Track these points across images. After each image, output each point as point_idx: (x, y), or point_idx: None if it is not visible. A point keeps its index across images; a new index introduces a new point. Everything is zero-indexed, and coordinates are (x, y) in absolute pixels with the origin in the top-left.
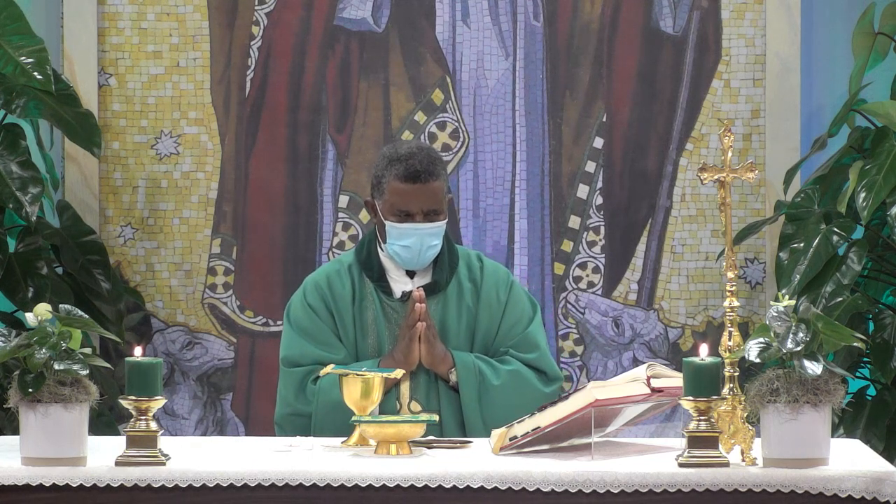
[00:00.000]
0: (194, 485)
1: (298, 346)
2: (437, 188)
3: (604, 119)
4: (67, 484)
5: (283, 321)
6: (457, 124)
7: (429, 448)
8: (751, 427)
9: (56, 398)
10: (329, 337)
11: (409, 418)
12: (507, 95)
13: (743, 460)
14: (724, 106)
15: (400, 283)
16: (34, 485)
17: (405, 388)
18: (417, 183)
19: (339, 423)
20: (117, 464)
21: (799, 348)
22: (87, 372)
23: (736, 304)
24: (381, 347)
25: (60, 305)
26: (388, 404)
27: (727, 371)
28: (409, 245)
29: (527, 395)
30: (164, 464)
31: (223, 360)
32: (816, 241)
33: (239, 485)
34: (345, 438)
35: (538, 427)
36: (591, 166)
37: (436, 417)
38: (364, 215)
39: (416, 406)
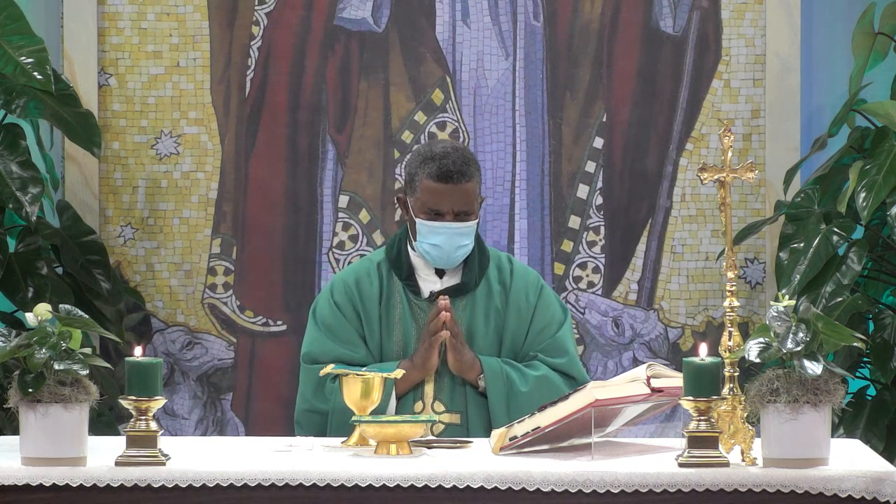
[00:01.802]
0: (194, 485)
1: (320, 343)
2: (470, 189)
3: (604, 119)
4: (67, 484)
5: (308, 319)
6: (457, 124)
7: (429, 448)
8: (751, 427)
9: (56, 398)
10: (352, 335)
11: (409, 418)
12: (507, 95)
13: (743, 460)
14: (724, 106)
15: (429, 283)
16: (34, 485)
17: (429, 389)
18: (450, 183)
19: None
20: (117, 464)
21: (799, 348)
22: (87, 372)
23: (736, 304)
24: (407, 347)
25: (60, 305)
26: (407, 406)
27: (727, 371)
28: (439, 244)
29: None
30: (164, 464)
31: (223, 360)
32: (816, 241)
33: (239, 485)
34: (345, 438)
35: (538, 427)
36: (591, 166)
37: (437, 418)
38: (364, 215)
39: (439, 406)
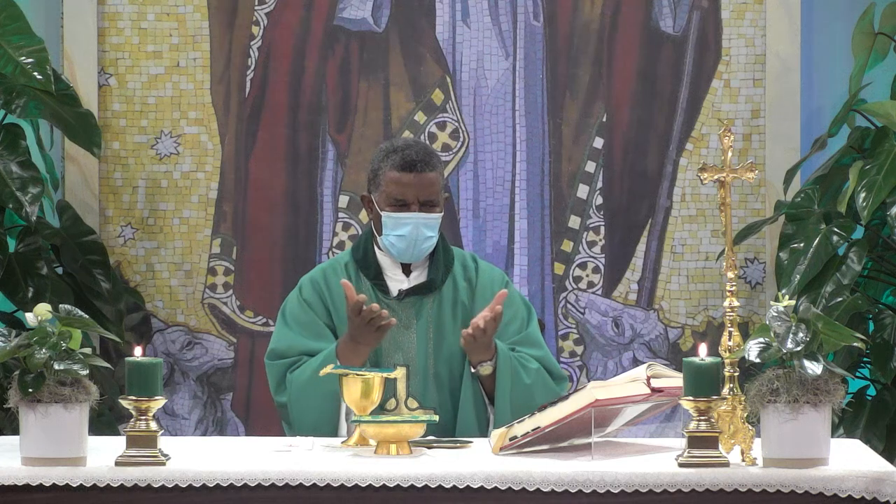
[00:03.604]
0: (194, 485)
1: (287, 339)
2: (433, 179)
3: (604, 119)
4: (67, 484)
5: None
6: (457, 124)
7: (429, 448)
8: (751, 427)
9: (56, 398)
10: (322, 329)
11: (409, 418)
12: (507, 95)
13: (743, 460)
14: (724, 106)
15: (396, 282)
16: (34, 485)
17: (401, 386)
18: (413, 172)
19: (311, 407)
20: (117, 464)
21: (799, 348)
22: (87, 372)
23: (736, 304)
24: (378, 345)
25: (60, 305)
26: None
27: (727, 371)
28: (405, 234)
29: (547, 396)
30: (164, 464)
31: (223, 360)
32: (816, 241)
33: (239, 485)
34: (345, 438)
35: (538, 427)
36: (591, 166)
37: (436, 417)
38: (364, 215)
39: (412, 403)
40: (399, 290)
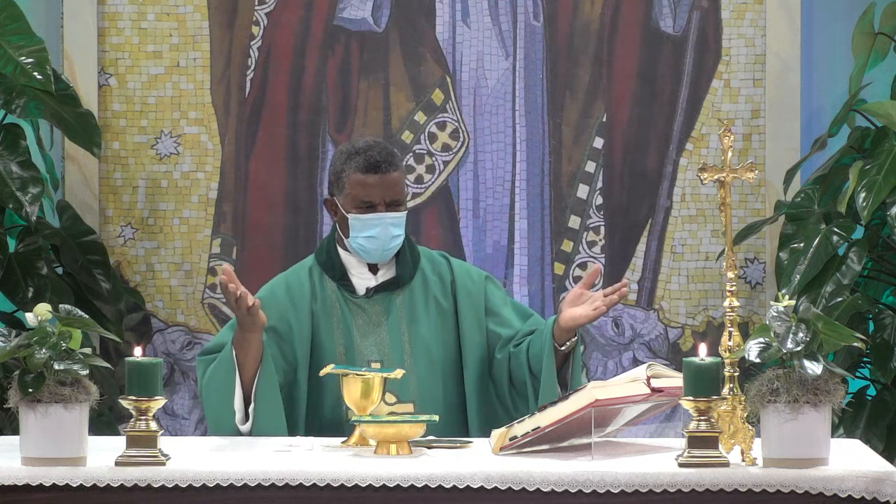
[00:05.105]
0: (194, 485)
1: (220, 337)
2: (398, 178)
3: (604, 119)
4: (67, 484)
5: None
6: (457, 124)
7: (429, 448)
8: (751, 427)
9: (56, 398)
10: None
11: (409, 418)
12: (507, 95)
13: (743, 460)
14: (724, 106)
15: (363, 280)
16: (34, 485)
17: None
18: (378, 173)
19: (210, 398)
20: (117, 464)
21: (799, 348)
22: (87, 372)
23: (736, 304)
24: (350, 345)
25: (60, 305)
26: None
27: (727, 371)
28: (375, 235)
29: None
30: (164, 464)
31: None
32: (816, 241)
33: (239, 485)
34: (344, 438)
35: (538, 427)
36: (591, 166)
37: (436, 418)
38: None
39: (390, 398)
40: (367, 289)
